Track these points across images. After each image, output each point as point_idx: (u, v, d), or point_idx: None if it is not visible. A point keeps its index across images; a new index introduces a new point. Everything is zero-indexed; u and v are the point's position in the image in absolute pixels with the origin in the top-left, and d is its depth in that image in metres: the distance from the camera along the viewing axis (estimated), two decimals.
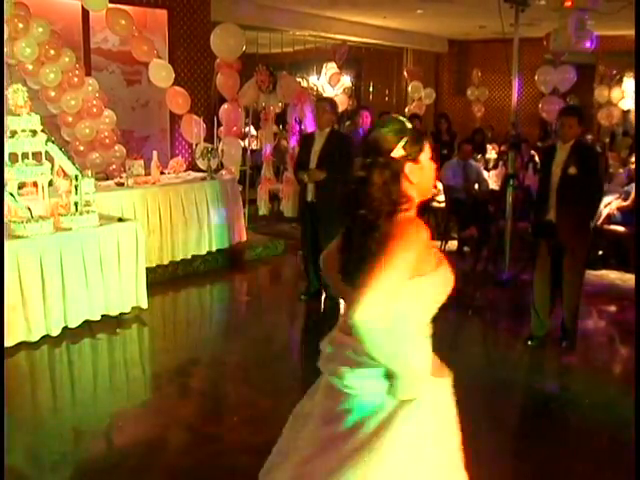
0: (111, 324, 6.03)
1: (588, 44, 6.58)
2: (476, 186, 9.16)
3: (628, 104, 12.95)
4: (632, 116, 12.91)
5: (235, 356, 5.73)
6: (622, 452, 4.19)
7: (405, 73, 14.07)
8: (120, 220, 6.29)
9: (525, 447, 4.36)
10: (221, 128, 8.89)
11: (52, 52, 7.14)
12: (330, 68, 12.20)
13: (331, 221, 6.87)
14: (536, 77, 9.58)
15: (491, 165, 10.06)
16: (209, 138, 8.72)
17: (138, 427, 4.49)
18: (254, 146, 10.84)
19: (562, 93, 9.65)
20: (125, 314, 6.17)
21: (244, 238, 8.49)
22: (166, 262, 7.51)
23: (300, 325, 6.84)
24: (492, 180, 9.45)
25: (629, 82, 13.13)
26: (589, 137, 11.88)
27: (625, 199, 8.35)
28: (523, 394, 5.37)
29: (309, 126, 8.86)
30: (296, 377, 5.37)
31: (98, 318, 5.96)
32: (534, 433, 4.57)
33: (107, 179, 7.67)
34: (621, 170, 9.55)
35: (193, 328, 6.46)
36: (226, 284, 7.96)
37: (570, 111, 5.68)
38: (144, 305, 6.30)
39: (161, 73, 7.89)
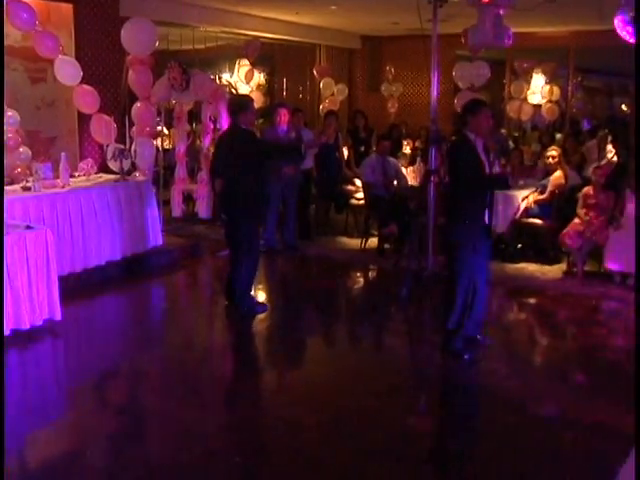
0: (22, 339, 5.64)
1: (505, 40, 6.60)
2: (395, 182, 9.14)
3: (537, 99, 13.23)
4: (543, 110, 13.21)
5: (156, 367, 5.48)
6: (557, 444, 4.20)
7: (315, 71, 13.94)
8: (28, 227, 5.90)
9: (452, 445, 4.30)
10: (133, 128, 8.55)
11: None
12: (243, 65, 11.96)
13: None
14: (453, 73, 9.62)
15: (406, 162, 10.07)
16: (120, 138, 8.37)
17: (55, 448, 4.17)
18: (166, 145, 10.53)
19: (477, 88, 9.70)
20: (37, 328, 5.80)
21: (160, 242, 8.17)
22: (79, 270, 7.13)
23: (222, 330, 6.60)
24: (410, 176, 9.44)
25: (538, 78, 13.41)
26: (503, 131, 12.10)
27: (542, 192, 8.46)
28: (449, 392, 5.32)
29: (225, 125, 8.62)
30: (223, 387, 5.16)
31: (8, 333, 5.57)
32: (463, 430, 4.53)
33: (12, 183, 7.22)
34: (538, 164, 9.71)
35: (111, 339, 6.11)
36: (143, 290, 7.64)
37: (485, 104, 5.63)
38: (58, 317, 5.94)
39: (68, 70, 7.49)
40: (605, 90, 17.86)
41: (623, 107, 16.80)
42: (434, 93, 7.30)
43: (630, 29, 6.04)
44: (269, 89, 13.93)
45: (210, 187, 6.69)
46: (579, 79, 14.68)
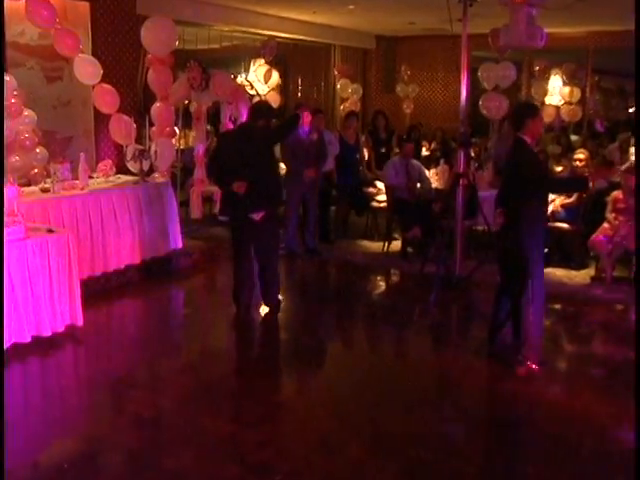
0: (43, 346, 5.46)
1: (539, 41, 6.41)
2: (418, 185, 8.95)
3: (556, 100, 13.02)
4: (563, 112, 13.00)
5: (182, 375, 5.28)
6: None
7: (335, 71, 13.81)
8: (50, 231, 5.73)
9: (480, 454, 4.11)
10: (153, 128, 8.36)
11: None
12: (258, 65, 11.79)
13: None
14: (479, 73, 9.44)
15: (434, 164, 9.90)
16: (137, 139, 8.19)
17: (78, 462, 3.96)
18: (180, 146, 10.33)
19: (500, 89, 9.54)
20: (59, 334, 5.62)
21: (180, 245, 7.99)
22: (98, 273, 6.96)
23: (246, 338, 6.39)
24: (433, 179, 9.24)
25: (555, 79, 13.21)
26: None
27: (569, 196, 8.26)
28: (480, 398, 5.15)
29: None
30: (252, 397, 4.95)
31: (29, 340, 5.40)
32: (509, 444, 4.34)
33: (29, 185, 7.05)
34: (560, 168, 9.52)
35: (132, 346, 5.94)
36: (163, 295, 7.46)
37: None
38: (79, 322, 5.77)
39: (87, 69, 7.29)
40: (618, 92, 17.64)
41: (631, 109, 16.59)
42: (463, 94, 7.14)
43: None
44: (283, 89, 13.73)
45: (224, 189, 6.38)
46: (596, 80, 14.45)
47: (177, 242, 7.95)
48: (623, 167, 9.25)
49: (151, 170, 8.04)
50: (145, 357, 5.66)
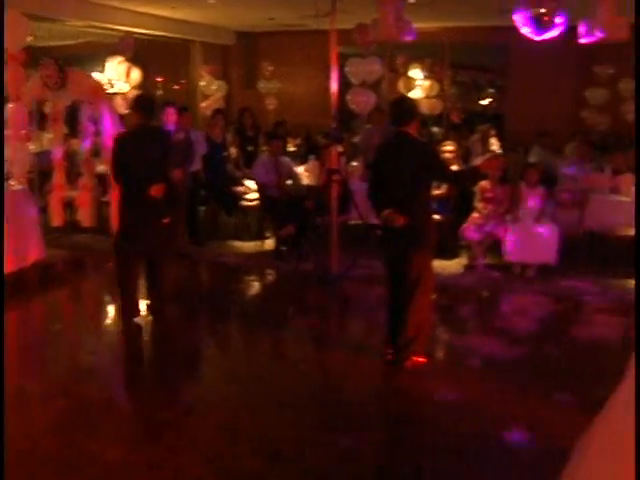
0: None
1: (408, 34, 6.47)
2: (289, 182, 8.86)
3: (418, 94, 13.28)
4: (422, 105, 13.29)
5: (55, 398, 4.86)
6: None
7: (203, 72, 13.56)
8: None
9: (373, 454, 4.07)
10: (6, 131, 7.78)
11: None
12: (117, 62, 11.30)
13: None
14: (346, 68, 9.44)
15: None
16: None
17: None
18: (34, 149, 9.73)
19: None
20: None
21: (43, 255, 7.50)
22: None
23: (122, 351, 6.03)
24: (304, 175, 9.18)
25: (416, 73, 13.50)
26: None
27: (438, 187, 8.42)
28: (368, 397, 5.05)
29: (107, 127, 8.04)
30: (135, 415, 4.67)
31: None
32: (396, 442, 4.31)
33: None
34: None
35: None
36: (29, 311, 6.93)
37: None
38: None
39: None
40: (473, 85, 18.33)
41: (484, 102, 17.32)
42: (334, 89, 7.09)
43: (533, 25, 6.02)
44: (142, 87, 13.25)
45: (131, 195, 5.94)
46: (453, 74, 14.91)
47: (40, 252, 7.46)
48: (486, 157, 9.57)
49: (6, 176, 7.49)
50: (12, 381, 5.17)
